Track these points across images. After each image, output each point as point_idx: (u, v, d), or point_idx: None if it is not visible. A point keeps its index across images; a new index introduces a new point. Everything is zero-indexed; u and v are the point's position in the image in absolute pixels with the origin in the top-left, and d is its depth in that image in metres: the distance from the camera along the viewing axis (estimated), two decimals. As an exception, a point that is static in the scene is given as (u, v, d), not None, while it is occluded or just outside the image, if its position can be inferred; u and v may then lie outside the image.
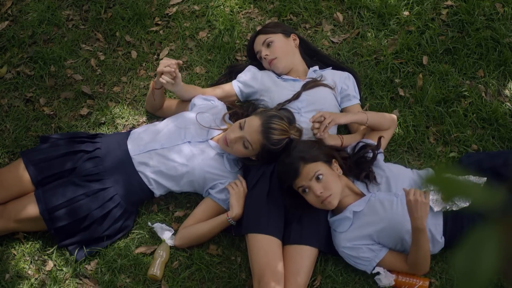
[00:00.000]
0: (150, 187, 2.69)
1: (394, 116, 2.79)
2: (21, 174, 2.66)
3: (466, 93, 2.97)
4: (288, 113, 2.64)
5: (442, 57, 3.11)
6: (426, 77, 3.04)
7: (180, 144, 2.67)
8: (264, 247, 2.46)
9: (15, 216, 2.61)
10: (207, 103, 2.84)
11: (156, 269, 2.58)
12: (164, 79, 2.69)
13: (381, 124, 2.70)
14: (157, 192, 2.72)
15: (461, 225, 2.45)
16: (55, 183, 2.64)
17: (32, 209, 2.59)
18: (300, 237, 2.51)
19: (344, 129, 2.94)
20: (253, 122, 2.56)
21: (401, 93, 3.01)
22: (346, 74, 2.95)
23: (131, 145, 2.70)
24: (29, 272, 2.67)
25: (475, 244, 0.66)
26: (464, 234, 2.49)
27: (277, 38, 2.94)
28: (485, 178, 2.44)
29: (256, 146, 2.56)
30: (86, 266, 2.66)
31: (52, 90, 3.15)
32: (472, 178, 2.42)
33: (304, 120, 2.74)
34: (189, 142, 2.68)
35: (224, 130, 2.73)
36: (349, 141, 2.75)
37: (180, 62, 2.74)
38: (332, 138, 2.69)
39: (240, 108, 2.83)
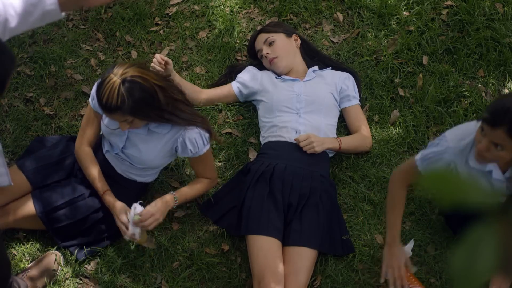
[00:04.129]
0: (138, 179, 2.65)
1: (369, 138, 2.83)
2: (20, 182, 2.63)
3: (466, 93, 2.96)
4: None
5: (442, 57, 3.11)
6: (426, 77, 3.04)
7: (120, 153, 2.59)
8: (264, 248, 2.46)
9: (14, 215, 2.60)
10: None
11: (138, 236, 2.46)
12: (153, 67, 2.70)
13: (356, 149, 2.79)
14: (149, 179, 2.68)
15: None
16: (53, 184, 2.64)
17: (30, 207, 2.58)
18: (300, 239, 2.50)
19: (344, 129, 2.94)
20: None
21: (401, 93, 3.01)
22: (346, 74, 2.94)
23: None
24: (29, 272, 2.66)
25: (472, 242, 0.66)
26: (460, 232, 2.45)
27: (279, 38, 2.94)
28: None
29: (131, 115, 2.33)
30: (86, 266, 2.66)
31: (52, 90, 3.15)
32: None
33: (303, 121, 2.74)
34: (123, 148, 2.56)
35: None
36: (348, 142, 2.75)
37: (165, 57, 2.74)
38: (329, 142, 2.69)
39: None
